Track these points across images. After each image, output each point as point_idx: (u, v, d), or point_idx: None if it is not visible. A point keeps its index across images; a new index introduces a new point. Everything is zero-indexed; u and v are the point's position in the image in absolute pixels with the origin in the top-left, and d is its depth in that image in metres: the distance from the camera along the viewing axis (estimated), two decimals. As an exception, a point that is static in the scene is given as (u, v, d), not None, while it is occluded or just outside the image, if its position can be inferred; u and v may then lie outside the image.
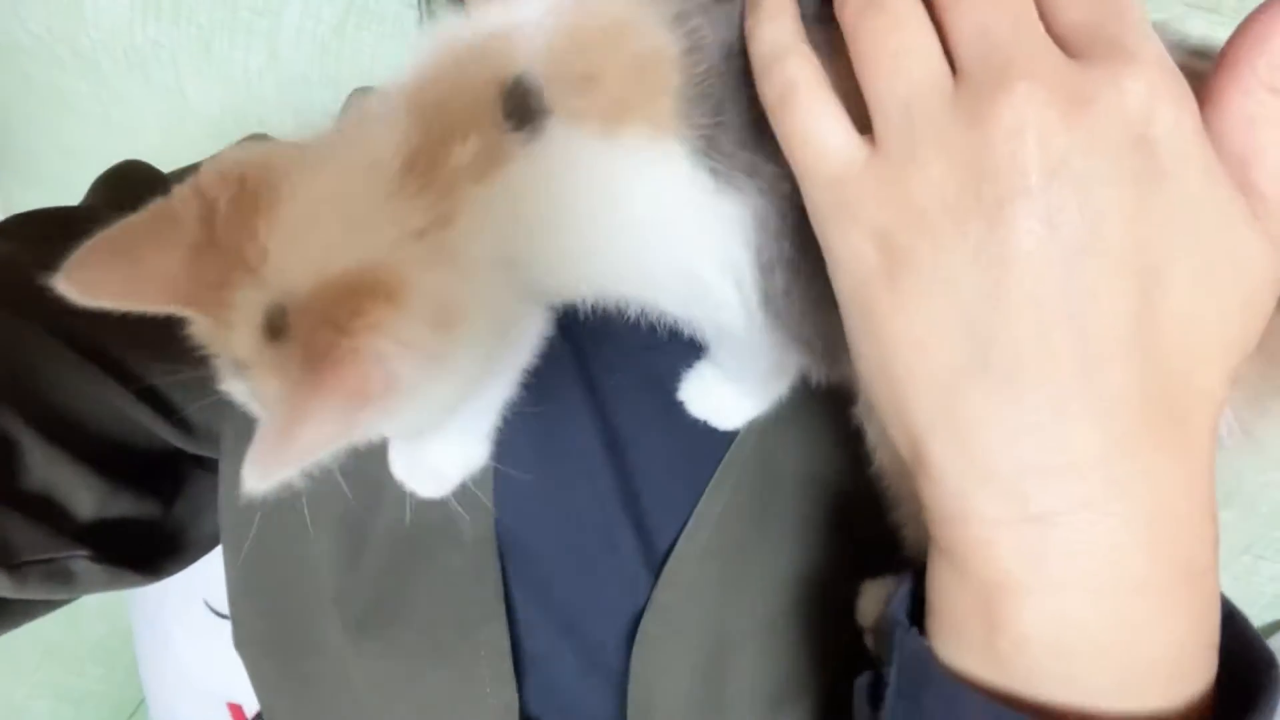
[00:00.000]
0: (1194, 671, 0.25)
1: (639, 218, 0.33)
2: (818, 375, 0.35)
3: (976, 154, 0.24)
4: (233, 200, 0.31)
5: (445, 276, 0.31)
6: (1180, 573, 0.25)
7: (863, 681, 0.31)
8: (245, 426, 0.36)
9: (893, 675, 0.29)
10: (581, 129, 0.31)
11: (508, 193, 0.31)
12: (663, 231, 0.33)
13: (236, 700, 0.84)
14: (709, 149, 0.31)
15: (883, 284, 0.26)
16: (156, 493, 0.52)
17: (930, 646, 0.28)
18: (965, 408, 0.25)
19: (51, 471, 0.44)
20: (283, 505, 0.37)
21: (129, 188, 0.50)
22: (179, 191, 0.32)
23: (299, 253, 0.31)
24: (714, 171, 0.31)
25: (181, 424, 0.49)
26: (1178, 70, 0.24)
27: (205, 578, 0.90)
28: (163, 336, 0.47)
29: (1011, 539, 0.25)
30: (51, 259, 0.46)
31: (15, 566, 0.43)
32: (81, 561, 0.47)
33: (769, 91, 0.28)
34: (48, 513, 0.45)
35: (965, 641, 0.27)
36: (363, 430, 0.31)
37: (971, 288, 0.25)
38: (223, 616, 0.88)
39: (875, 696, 0.30)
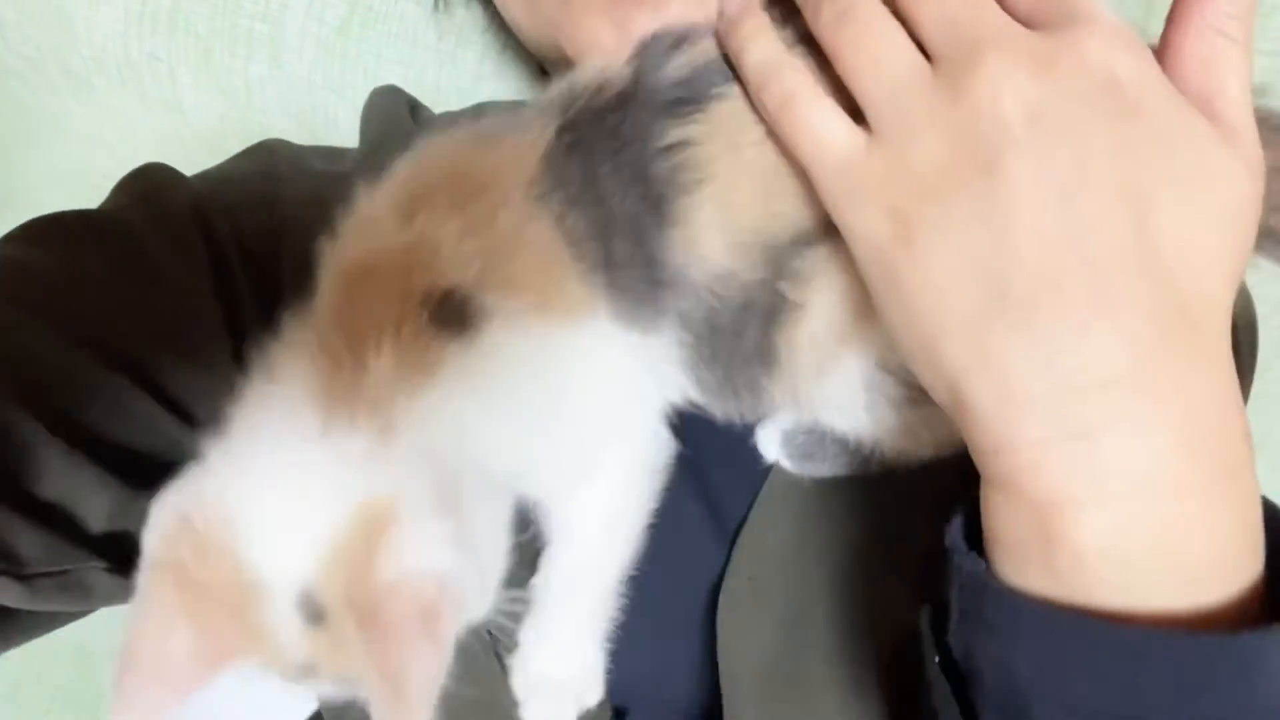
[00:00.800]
0: (1241, 566, 0.27)
1: (580, 384, 0.37)
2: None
3: (964, 122, 0.27)
4: (195, 550, 0.32)
5: (418, 472, 0.32)
6: (1220, 471, 0.27)
7: (926, 611, 0.33)
8: None
9: (954, 598, 0.31)
10: (519, 327, 0.34)
11: (444, 391, 0.33)
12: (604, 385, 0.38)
13: (270, 726, 0.82)
14: (623, 302, 0.35)
15: (899, 248, 0.29)
16: None
17: (988, 567, 0.29)
18: (993, 343, 0.27)
19: (70, 479, 0.43)
20: None
21: (151, 190, 0.49)
22: (154, 576, 0.32)
23: (285, 550, 0.31)
24: (634, 320, 0.36)
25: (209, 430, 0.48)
26: (1130, 28, 0.28)
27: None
28: (193, 344, 0.46)
29: (1058, 458, 0.27)
30: (74, 263, 0.45)
31: (27, 578, 0.42)
32: (98, 573, 0.45)
33: (769, 102, 0.32)
34: (63, 522, 0.43)
35: (1024, 562, 0.28)
36: (452, 634, 0.31)
37: (979, 235, 0.27)
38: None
39: (939, 625, 0.32)
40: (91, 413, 0.43)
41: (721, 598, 0.43)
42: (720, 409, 0.39)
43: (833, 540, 0.44)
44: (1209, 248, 0.27)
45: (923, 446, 0.38)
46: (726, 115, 0.34)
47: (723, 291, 0.35)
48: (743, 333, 0.35)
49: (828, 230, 0.33)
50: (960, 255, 0.28)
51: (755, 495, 0.44)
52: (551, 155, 0.35)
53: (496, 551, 0.36)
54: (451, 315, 0.33)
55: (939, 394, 0.30)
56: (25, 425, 0.41)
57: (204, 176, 0.51)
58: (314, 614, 0.31)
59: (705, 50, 0.35)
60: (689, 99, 0.34)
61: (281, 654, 0.32)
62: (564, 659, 0.42)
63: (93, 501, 0.44)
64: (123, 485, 0.45)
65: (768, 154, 0.33)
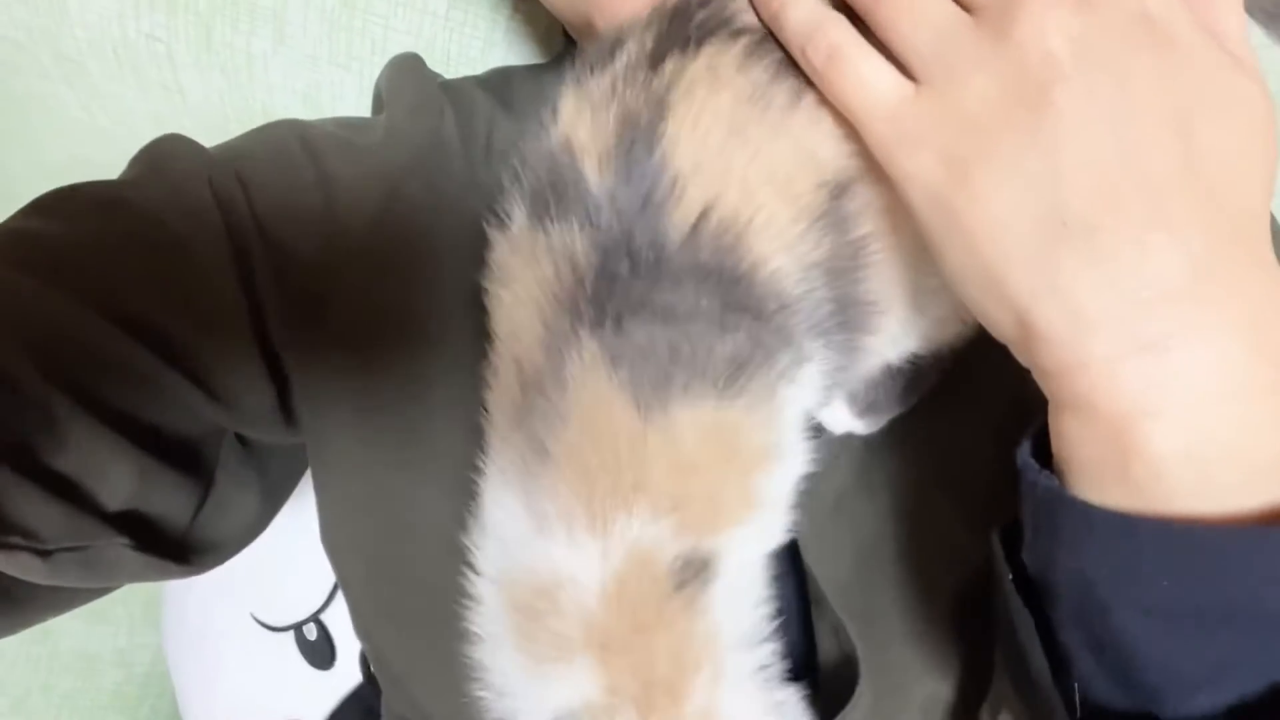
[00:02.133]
0: None
1: None
2: None
3: (1011, 60, 0.29)
4: None
5: None
6: None
7: (996, 532, 0.34)
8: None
9: (1027, 516, 0.32)
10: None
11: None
12: None
13: (296, 716, 0.81)
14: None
15: (957, 189, 0.30)
16: (197, 474, 0.50)
17: (1060, 484, 0.30)
18: (1057, 267, 0.28)
19: (91, 451, 0.42)
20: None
21: (169, 159, 0.48)
22: None
23: None
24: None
25: (233, 405, 0.48)
26: None
27: (250, 592, 0.87)
28: (211, 317, 0.45)
29: (1131, 371, 0.28)
30: (91, 233, 0.44)
31: (48, 553, 0.41)
32: (120, 549, 0.45)
33: (815, 59, 0.33)
34: (83, 497, 0.43)
35: (1100, 479, 0.29)
36: None
37: (1036, 166, 0.29)
38: (273, 629, 0.84)
39: (1011, 542, 0.33)
40: (113, 385, 0.43)
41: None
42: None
43: (893, 481, 0.44)
44: (1245, 164, 0.29)
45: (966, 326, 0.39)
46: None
47: (809, 279, 0.34)
48: (845, 298, 0.35)
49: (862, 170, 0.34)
50: (1018, 188, 0.29)
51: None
52: None
53: None
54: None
55: (1005, 328, 0.31)
56: (48, 396, 0.40)
57: (226, 147, 0.50)
58: None
59: None
60: None
61: None
62: None
63: (114, 476, 0.44)
64: (145, 459, 0.45)
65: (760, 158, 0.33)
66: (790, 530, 0.37)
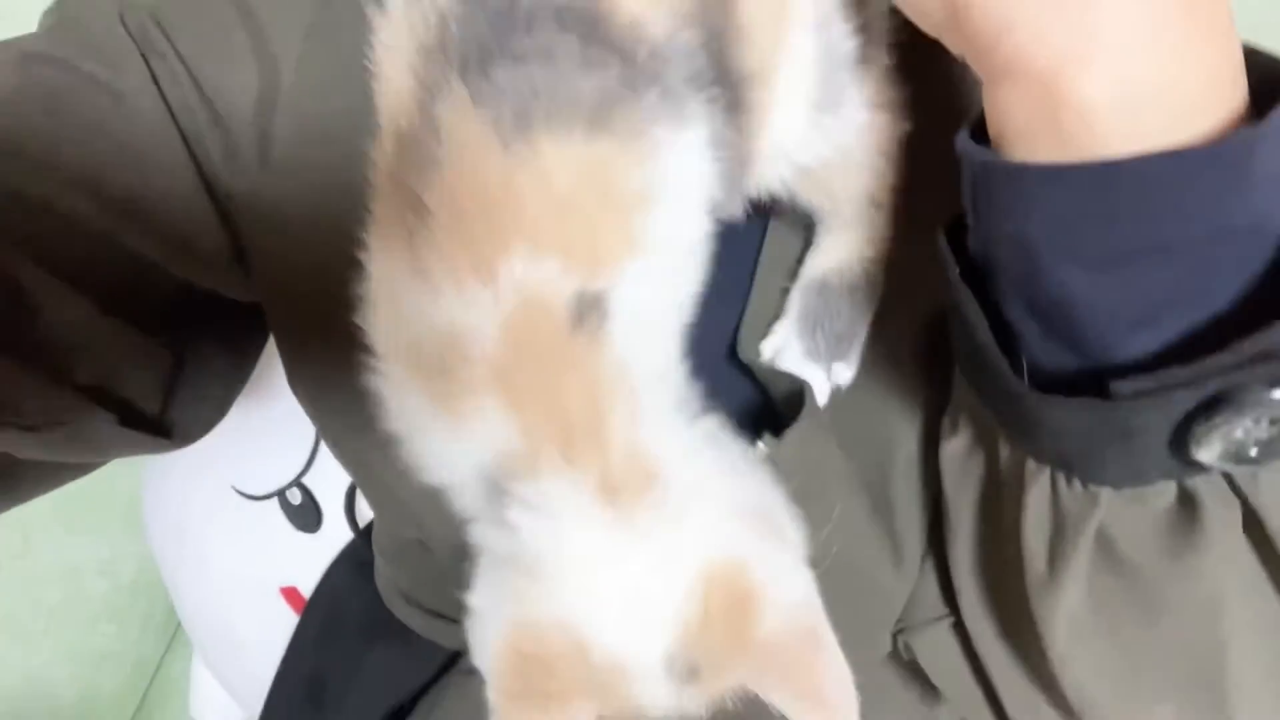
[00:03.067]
0: (1230, 94, 0.28)
1: None
2: None
3: None
4: (542, 670, 0.33)
5: (723, 508, 0.34)
6: (1203, 18, 0.28)
7: (942, 230, 0.34)
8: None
9: (968, 199, 0.32)
10: None
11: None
12: None
13: (289, 583, 0.80)
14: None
15: None
16: (166, 338, 0.50)
17: (993, 152, 0.30)
18: None
19: (62, 315, 0.42)
20: None
21: (80, 7, 0.46)
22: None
23: (636, 634, 0.32)
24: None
25: (188, 255, 0.47)
26: None
27: (228, 465, 0.85)
28: (152, 163, 0.44)
29: (1055, 24, 0.27)
30: (16, 92, 0.42)
31: (35, 428, 0.41)
32: (103, 425, 0.45)
33: None
34: (61, 369, 0.43)
35: (1033, 139, 0.29)
36: (832, 633, 0.33)
37: None
38: (256, 498, 0.83)
39: (954, 231, 0.34)
40: (70, 244, 0.42)
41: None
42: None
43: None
44: None
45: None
46: None
47: (680, 31, 0.33)
48: (723, 63, 0.34)
49: None
50: None
51: None
52: None
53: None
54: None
55: (932, 15, 0.30)
56: (13, 262, 0.40)
57: None
58: (687, 673, 0.32)
59: None
60: None
61: (651, 713, 0.33)
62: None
63: (88, 341, 0.44)
64: (114, 322, 0.45)
65: None
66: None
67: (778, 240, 0.44)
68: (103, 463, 0.52)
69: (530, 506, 0.32)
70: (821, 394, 0.43)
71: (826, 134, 0.37)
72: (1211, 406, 0.28)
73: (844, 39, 0.36)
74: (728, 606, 0.31)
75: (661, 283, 0.34)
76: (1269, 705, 0.35)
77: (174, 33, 0.45)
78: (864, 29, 0.37)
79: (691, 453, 0.34)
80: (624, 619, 0.32)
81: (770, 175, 0.38)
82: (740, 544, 0.32)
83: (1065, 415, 0.31)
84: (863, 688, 0.51)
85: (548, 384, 0.32)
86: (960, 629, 0.44)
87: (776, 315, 0.44)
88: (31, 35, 0.45)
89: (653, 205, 0.33)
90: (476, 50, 0.32)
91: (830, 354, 0.43)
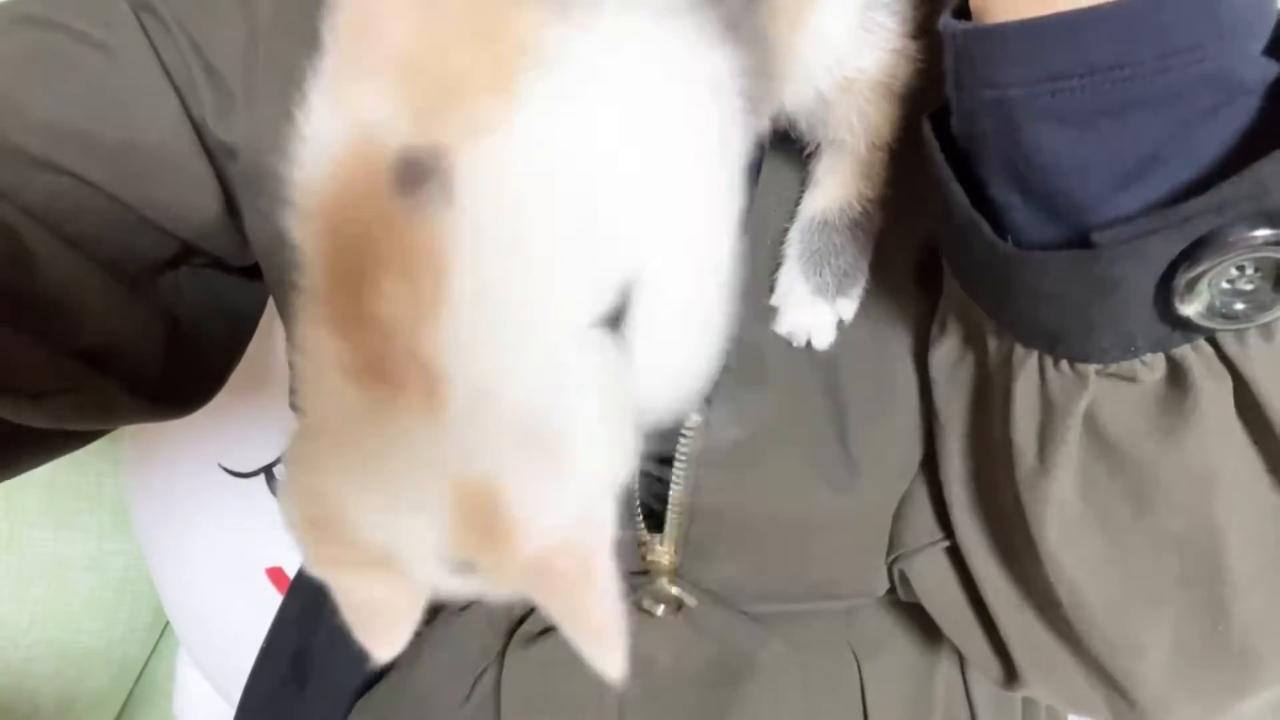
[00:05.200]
0: None
1: None
2: None
3: None
4: (335, 539, 0.30)
5: (493, 427, 0.29)
6: None
7: (927, 118, 0.33)
8: None
9: (950, 75, 0.31)
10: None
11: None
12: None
13: (275, 564, 0.79)
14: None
15: None
16: (163, 302, 0.51)
17: (971, 21, 0.30)
18: None
19: (60, 273, 0.43)
20: None
21: None
22: (320, 567, 0.31)
23: (406, 533, 0.29)
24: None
25: (183, 214, 0.48)
26: None
27: (215, 439, 0.84)
28: (157, 119, 0.45)
29: None
30: (7, 54, 0.43)
31: (40, 396, 0.42)
32: (107, 393, 0.46)
33: None
34: (61, 331, 0.43)
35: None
36: (609, 564, 0.30)
37: None
38: (243, 475, 0.82)
39: (937, 116, 0.33)
40: (64, 201, 0.43)
41: None
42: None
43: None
44: None
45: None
46: None
47: None
48: None
49: None
50: None
51: None
52: None
53: (623, 423, 0.31)
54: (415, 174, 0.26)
55: None
56: (12, 216, 0.40)
57: None
58: (463, 568, 0.30)
59: None
60: None
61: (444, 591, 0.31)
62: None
63: (86, 300, 0.44)
64: (110, 282, 0.45)
65: None
66: None
67: (774, 174, 0.43)
68: (103, 434, 0.53)
69: (301, 352, 0.28)
70: (827, 335, 0.43)
71: (873, 43, 0.36)
72: (1194, 255, 0.27)
73: None
74: (480, 523, 0.28)
75: (544, 159, 0.26)
76: (1268, 600, 0.34)
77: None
78: None
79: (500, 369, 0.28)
80: (382, 504, 0.28)
81: (809, 87, 0.37)
82: (503, 465, 0.28)
83: (1047, 273, 0.30)
84: (859, 641, 0.50)
85: (345, 239, 0.27)
86: (955, 553, 0.44)
87: (776, 261, 0.43)
88: None
89: (545, 69, 0.26)
90: None
91: (837, 290, 0.42)
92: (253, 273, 0.54)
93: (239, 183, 0.48)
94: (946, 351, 0.40)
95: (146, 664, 1.22)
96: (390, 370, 0.27)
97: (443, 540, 0.29)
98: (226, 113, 0.46)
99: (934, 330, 0.41)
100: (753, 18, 0.31)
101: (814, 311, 0.42)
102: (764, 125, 0.36)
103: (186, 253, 0.50)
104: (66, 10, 0.45)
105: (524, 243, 0.27)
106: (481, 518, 0.28)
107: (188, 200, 0.47)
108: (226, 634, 0.84)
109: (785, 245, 0.43)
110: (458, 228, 0.26)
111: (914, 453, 0.45)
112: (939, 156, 0.32)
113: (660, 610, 0.49)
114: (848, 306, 0.42)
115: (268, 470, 0.81)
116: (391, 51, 0.26)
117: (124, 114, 0.44)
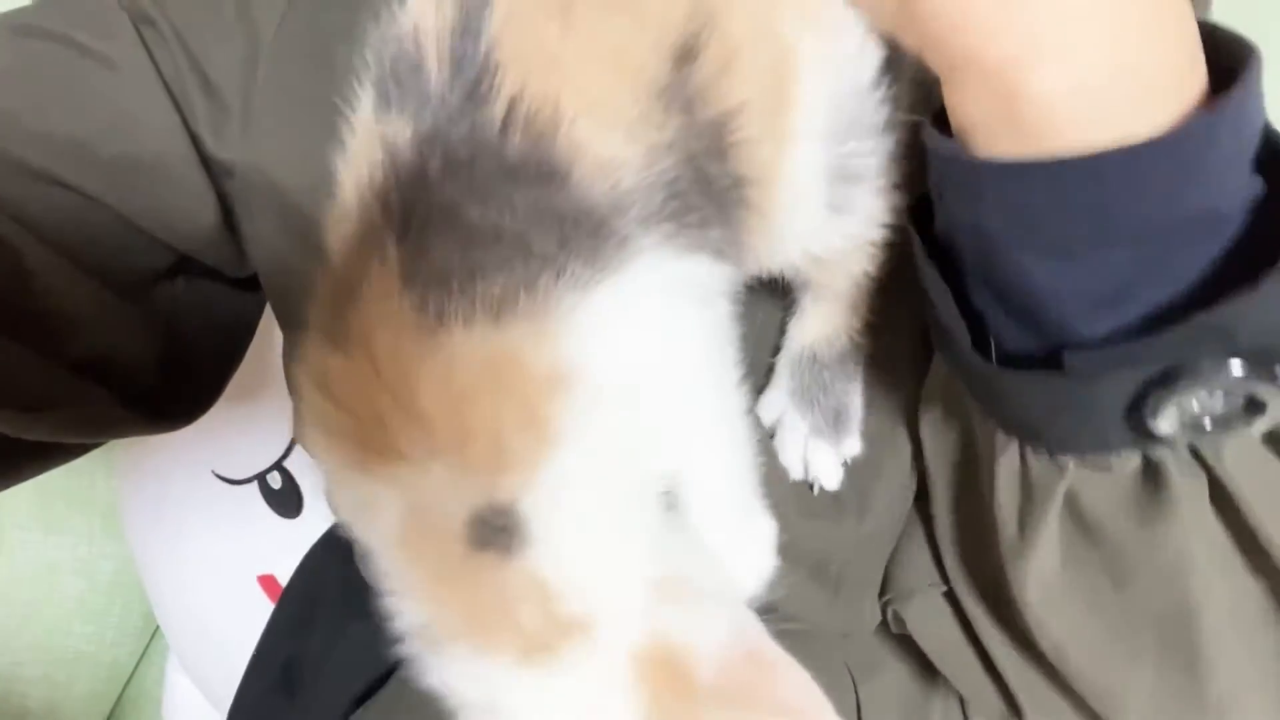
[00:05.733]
0: (1189, 79, 0.28)
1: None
2: None
3: None
4: None
5: (626, 601, 0.32)
6: (1154, 3, 0.28)
7: (908, 209, 0.34)
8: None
9: (932, 184, 0.32)
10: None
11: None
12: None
13: (267, 571, 0.79)
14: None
15: None
16: (156, 315, 0.50)
17: (957, 143, 0.30)
18: None
19: (54, 285, 0.43)
20: None
21: None
22: None
23: None
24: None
25: (179, 225, 0.47)
26: None
27: (208, 446, 0.84)
28: (155, 130, 0.45)
29: (1008, 16, 0.27)
30: (8, 66, 0.43)
31: (39, 410, 0.42)
32: (104, 407, 0.46)
33: None
34: (57, 346, 0.43)
35: (992, 133, 0.29)
36: (776, 649, 0.33)
37: None
38: (236, 482, 0.82)
39: (921, 209, 0.34)
40: (61, 212, 0.43)
41: None
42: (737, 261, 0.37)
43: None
44: None
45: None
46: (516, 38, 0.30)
47: (654, 163, 0.31)
48: (708, 177, 0.32)
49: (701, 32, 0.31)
50: None
51: None
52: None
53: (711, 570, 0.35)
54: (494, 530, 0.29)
55: (885, 9, 0.31)
56: (15, 238, 0.40)
57: None
58: None
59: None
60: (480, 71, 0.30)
61: None
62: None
63: (80, 312, 0.44)
64: (104, 293, 0.45)
65: (581, 35, 0.30)
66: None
67: (759, 311, 0.43)
68: (100, 444, 0.52)
69: (452, 674, 0.31)
70: (833, 476, 0.43)
71: (837, 230, 0.36)
72: (1167, 379, 0.28)
73: (859, 157, 0.35)
74: (669, 687, 0.30)
75: (592, 489, 0.30)
76: (1245, 672, 0.35)
77: (165, 1, 0.46)
78: (886, 146, 0.35)
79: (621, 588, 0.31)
80: None
81: (779, 260, 0.37)
82: (657, 623, 0.31)
83: (1024, 389, 0.31)
84: (856, 662, 0.50)
85: (447, 594, 0.30)
86: (951, 597, 0.44)
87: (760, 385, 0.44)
88: (24, 9, 0.46)
89: (570, 387, 0.29)
90: (419, 211, 0.29)
91: (833, 429, 0.42)
92: (250, 283, 0.54)
93: (236, 199, 0.48)
94: (935, 415, 0.40)
95: (135, 669, 1.21)
96: (537, 645, 0.30)
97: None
98: (222, 128, 0.46)
99: (924, 392, 0.41)
100: (728, 226, 0.33)
101: (815, 451, 0.43)
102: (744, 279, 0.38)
103: (183, 263, 0.50)
104: (67, 21, 0.45)
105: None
106: (667, 680, 0.30)
107: (186, 213, 0.47)
108: (217, 641, 0.83)
109: (775, 376, 0.43)
110: (541, 556, 0.29)
111: (905, 503, 0.46)
112: (924, 261, 0.33)
113: None
114: (851, 444, 0.43)
115: (261, 478, 0.80)
116: (417, 412, 0.28)
117: (123, 127, 0.44)
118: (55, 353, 0.43)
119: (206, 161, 0.47)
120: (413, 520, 0.29)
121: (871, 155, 0.34)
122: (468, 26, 0.30)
